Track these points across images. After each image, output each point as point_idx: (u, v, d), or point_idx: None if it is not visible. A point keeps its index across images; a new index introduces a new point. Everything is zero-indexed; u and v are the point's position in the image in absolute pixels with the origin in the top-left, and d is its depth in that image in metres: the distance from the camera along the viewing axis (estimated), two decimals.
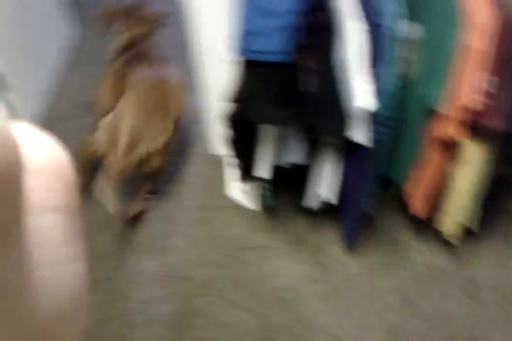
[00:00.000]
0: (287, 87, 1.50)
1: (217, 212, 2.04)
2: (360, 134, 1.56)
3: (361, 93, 1.47)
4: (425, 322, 1.68)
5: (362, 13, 1.36)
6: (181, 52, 2.36)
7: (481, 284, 1.77)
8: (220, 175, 2.14)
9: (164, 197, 2.11)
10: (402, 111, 1.60)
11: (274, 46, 1.39)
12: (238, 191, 2.03)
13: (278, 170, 1.79)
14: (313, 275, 1.82)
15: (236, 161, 1.74)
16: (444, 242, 1.85)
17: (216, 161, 2.20)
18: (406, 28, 1.50)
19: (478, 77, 1.35)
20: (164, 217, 2.03)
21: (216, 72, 1.84)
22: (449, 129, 1.49)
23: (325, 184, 1.77)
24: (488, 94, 1.37)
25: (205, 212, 2.05)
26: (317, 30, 1.38)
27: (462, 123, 1.46)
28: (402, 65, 1.53)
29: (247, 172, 1.73)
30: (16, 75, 2.24)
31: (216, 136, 2.14)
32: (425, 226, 1.87)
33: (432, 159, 1.62)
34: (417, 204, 1.75)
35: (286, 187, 1.93)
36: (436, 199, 1.70)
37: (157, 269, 1.85)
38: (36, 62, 2.52)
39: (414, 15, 1.47)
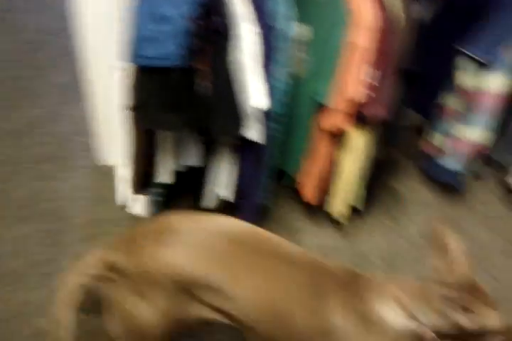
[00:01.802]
0: (182, 91, 1.45)
1: (110, 225, 1.91)
2: (254, 132, 1.58)
3: (255, 92, 1.49)
4: None
5: (255, 16, 1.37)
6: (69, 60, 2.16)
7: (371, 256, 1.96)
8: (110, 186, 2.01)
9: (48, 216, 1.91)
10: (294, 107, 1.68)
11: (168, 51, 1.33)
12: (131, 201, 1.92)
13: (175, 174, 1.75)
14: None
15: (133, 169, 1.64)
16: (335, 223, 2.00)
17: (105, 172, 2.08)
18: (296, 29, 1.55)
19: (363, 72, 1.47)
20: (48, 239, 1.83)
21: (105, 79, 1.71)
22: (336, 121, 1.60)
23: (222, 183, 1.77)
24: (372, 87, 1.50)
25: (95, 228, 1.90)
26: (211, 33, 1.35)
27: (348, 115, 1.59)
28: (294, 64, 1.59)
29: (146, 179, 1.66)
30: None
31: (106, 146, 2.01)
32: (318, 210, 2.00)
33: (320, 149, 1.73)
34: (309, 192, 1.86)
35: (180, 191, 1.89)
36: (326, 186, 1.83)
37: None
38: None
39: (303, 17, 1.52)
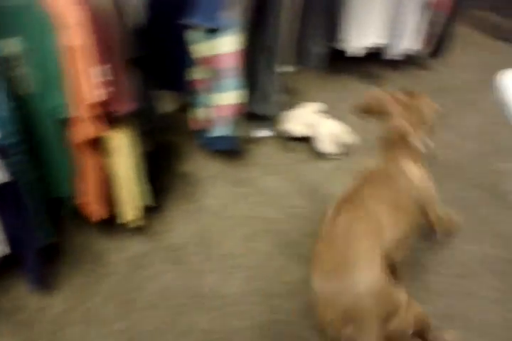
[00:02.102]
0: None
1: None
2: None
3: None
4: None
5: None
6: None
7: (182, 246, 1.91)
8: None
9: None
10: (35, 129, 1.46)
11: None
12: None
13: None
14: None
15: None
16: (136, 229, 1.88)
17: None
18: (2, 47, 1.33)
19: (92, 71, 1.34)
20: None
21: None
22: (87, 129, 1.45)
23: None
24: (108, 83, 1.38)
25: None
26: None
27: (97, 119, 1.45)
28: (16, 83, 1.36)
29: None
30: None
31: None
32: (112, 224, 1.85)
33: (85, 163, 1.57)
34: (94, 209, 1.70)
35: None
36: (108, 196, 1.69)
37: None
38: None
39: (5, 31, 1.30)
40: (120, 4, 1.43)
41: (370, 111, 1.66)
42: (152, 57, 2.00)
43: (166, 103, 2.49)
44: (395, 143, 1.58)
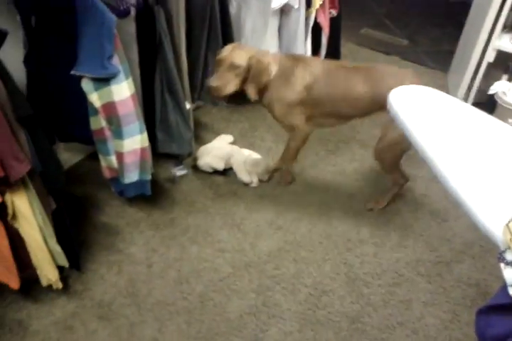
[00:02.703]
0: None
1: None
2: None
3: None
4: None
5: None
6: None
7: (111, 301, 1.83)
8: None
9: None
10: None
11: None
12: None
13: None
14: None
15: None
16: (61, 290, 1.78)
17: None
18: None
19: None
20: None
21: None
22: None
23: None
24: None
25: None
26: None
27: None
28: None
29: None
30: None
31: None
32: (35, 290, 1.77)
33: None
34: (10, 278, 1.59)
35: None
36: (23, 262, 1.59)
37: None
38: None
39: None
40: None
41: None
42: (49, 110, 1.94)
43: (75, 153, 2.42)
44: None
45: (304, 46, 2.75)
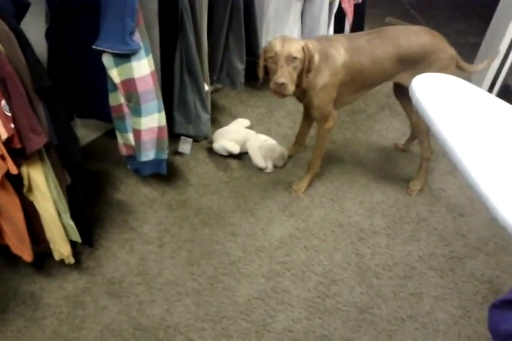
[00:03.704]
0: None
1: None
2: None
3: None
4: None
5: None
6: None
7: (121, 278, 1.84)
8: None
9: None
10: None
11: None
12: None
13: None
14: None
15: None
16: (73, 265, 1.79)
17: None
18: None
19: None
20: None
21: None
22: (1, 167, 1.36)
23: None
24: (8, 119, 1.31)
25: None
26: None
27: (11, 155, 1.36)
28: None
29: None
30: None
31: None
32: (47, 262, 1.79)
33: (5, 202, 1.47)
34: (23, 250, 1.59)
35: None
36: (38, 235, 1.60)
37: None
38: None
39: None
40: (18, 33, 1.35)
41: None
42: (69, 86, 1.94)
43: (92, 130, 2.41)
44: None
45: (326, 33, 2.70)
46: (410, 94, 1.06)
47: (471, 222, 2.11)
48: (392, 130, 2.63)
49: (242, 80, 2.38)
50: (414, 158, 2.37)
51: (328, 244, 2.01)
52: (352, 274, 1.89)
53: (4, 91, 1.29)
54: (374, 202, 2.19)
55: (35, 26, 1.69)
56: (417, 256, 1.97)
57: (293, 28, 2.62)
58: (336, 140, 2.53)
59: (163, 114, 1.82)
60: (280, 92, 1.84)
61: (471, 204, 2.18)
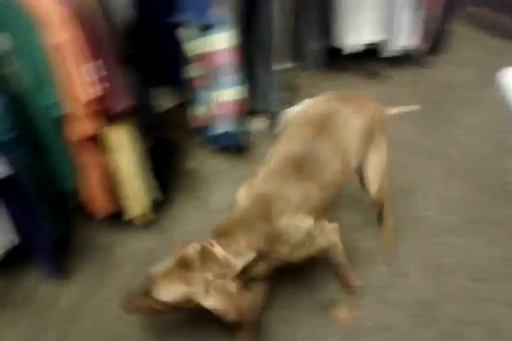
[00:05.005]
0: None
1: None
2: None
3: None
4: None
5: None
6: None
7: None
8: None
9: None
10: (33, 126, 1.41)
11: None
12: None
13: None
14: None
15: None
16: (144, 224, 1.86)
17: None
18: None
19: (84, 68, 1.27)
20: None
21: None
22: (84, 127, 1.41)
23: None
24: (101, 79, 1.31)
25: None
26: None
27: (94, 116, 1.38)
28: (8, 81, 1.34)
29: None
30: None
31: None
32: (120, 219, 1.84)
33: (86, 160, 1.54)
34: (99, 205, 1.65)
35: None
36: (113, 193, 1.64)
37: None
38: None
39: None
40: (106, 1, 1.35)
41: None
42: (147, 54, 1.92)
43: (166, 99, 2.40)
44: None
45: (402, 21, 2.57)
46: (498, 87, 0.97)
47: None
48: None
49: (319, 61, 2.31)
50: None
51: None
52: (421, 268, 1.82)
53: (96, 54, 1.29)
54: (453, 200, 2.09)
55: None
56: (492, 260, 1.86)
57: (368, 15, 2.50)
58: None
59: (240, 88, 1.78)
60: None
61: None
